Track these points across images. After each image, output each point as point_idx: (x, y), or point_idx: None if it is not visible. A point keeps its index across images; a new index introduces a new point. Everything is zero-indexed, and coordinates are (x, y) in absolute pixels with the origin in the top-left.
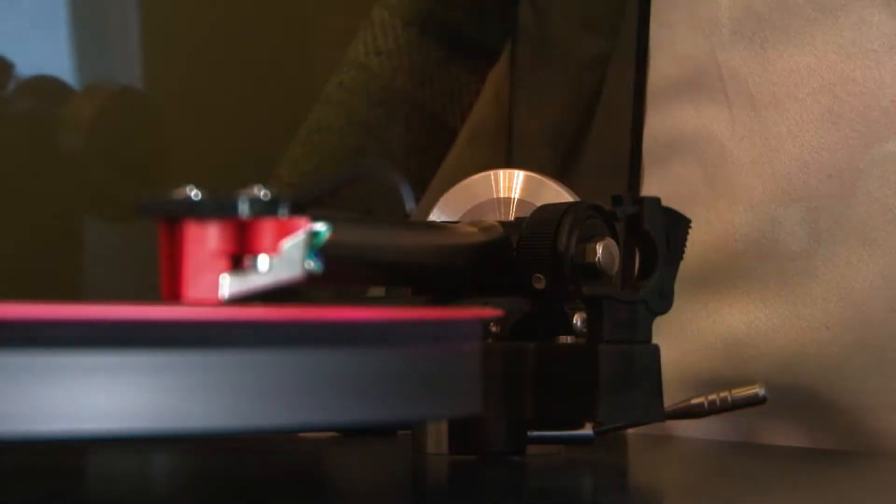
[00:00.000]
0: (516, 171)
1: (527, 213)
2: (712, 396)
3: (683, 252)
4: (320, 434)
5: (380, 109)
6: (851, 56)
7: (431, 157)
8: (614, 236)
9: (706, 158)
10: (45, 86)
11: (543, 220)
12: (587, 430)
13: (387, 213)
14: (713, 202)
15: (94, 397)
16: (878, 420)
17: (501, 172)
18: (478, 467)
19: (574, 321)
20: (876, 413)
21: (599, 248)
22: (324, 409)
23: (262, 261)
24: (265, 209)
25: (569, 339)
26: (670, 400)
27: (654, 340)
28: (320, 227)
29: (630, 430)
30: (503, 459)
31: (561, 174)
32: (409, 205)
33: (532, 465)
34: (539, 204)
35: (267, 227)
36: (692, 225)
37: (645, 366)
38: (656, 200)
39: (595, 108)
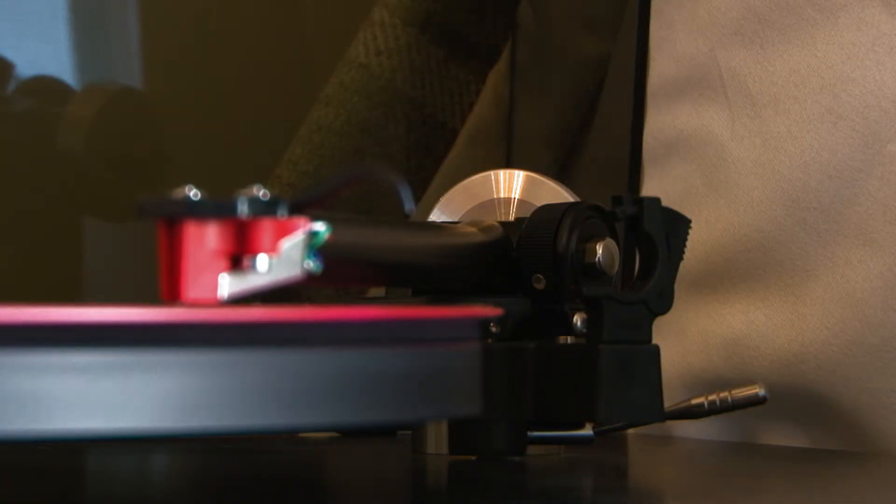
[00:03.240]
0: (516, 172)
1: (527, 213)
2: (712, 396)
3: (683, 252)
4: (320, 434)
5: (380, 109)
6: (851, 56)
7: (431, 157)
8: (614, 236)
9: (706, 158)
10: (45, 86)
11: (543, 220)
12: (587, 430)
13: (387, 214)
14: (713, 202)
15: (94, 397)
16: (878, 420)
17: (501, 173)
18: (478, 467)
19: (574, 321)
20: (876, 413)
21: (599, 249)
22: (323, 410)
23: (262, 261)
24: (264, 209)
25: (569, 339)
26: (670, 400)
27: (654, 340)
28: (319, 227)
29: (630, 430)
30: (503, 459)
31: (561, 174)
32: (409, 205)
33: (532, 465)
34: (539, 204)
35: (266, 227)
36: (692, 225)
37: (645, 366)
38: (656, 200)
39: (595, 108)
